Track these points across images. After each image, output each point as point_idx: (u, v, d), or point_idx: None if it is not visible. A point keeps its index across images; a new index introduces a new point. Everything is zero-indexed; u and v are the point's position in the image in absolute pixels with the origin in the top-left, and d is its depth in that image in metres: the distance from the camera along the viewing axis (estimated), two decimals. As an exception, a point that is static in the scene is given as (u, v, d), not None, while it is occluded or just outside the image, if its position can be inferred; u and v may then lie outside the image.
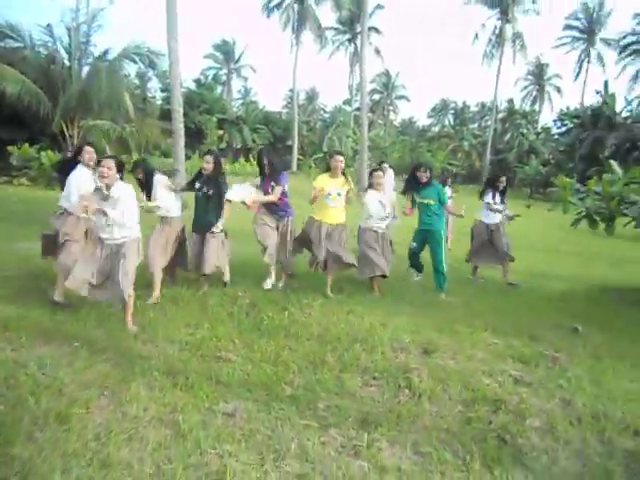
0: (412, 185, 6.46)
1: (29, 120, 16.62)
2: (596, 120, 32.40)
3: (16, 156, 17.22)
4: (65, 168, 5.20)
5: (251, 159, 35.14)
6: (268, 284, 5.77)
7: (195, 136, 35.29)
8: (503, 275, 7.30)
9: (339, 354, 3.99)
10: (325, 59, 72.18)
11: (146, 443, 2.66)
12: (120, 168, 4.36)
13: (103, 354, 3.74)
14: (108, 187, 4.29)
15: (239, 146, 43.80)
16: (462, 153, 46.74)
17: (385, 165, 8.38)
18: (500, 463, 2.64)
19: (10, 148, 17.21)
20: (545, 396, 3.49)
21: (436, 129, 58.51)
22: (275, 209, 5.78)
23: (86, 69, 17.02)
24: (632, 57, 37.50)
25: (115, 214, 4.28)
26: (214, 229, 5.41)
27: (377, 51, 46.20)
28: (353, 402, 3.26)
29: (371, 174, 6.21)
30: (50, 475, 2.34)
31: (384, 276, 5.91)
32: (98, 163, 4.45)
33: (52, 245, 5.10)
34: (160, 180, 5.37)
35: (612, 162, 9.37)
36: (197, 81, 45.34)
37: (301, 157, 42.96)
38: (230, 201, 5.46)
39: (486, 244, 7.25)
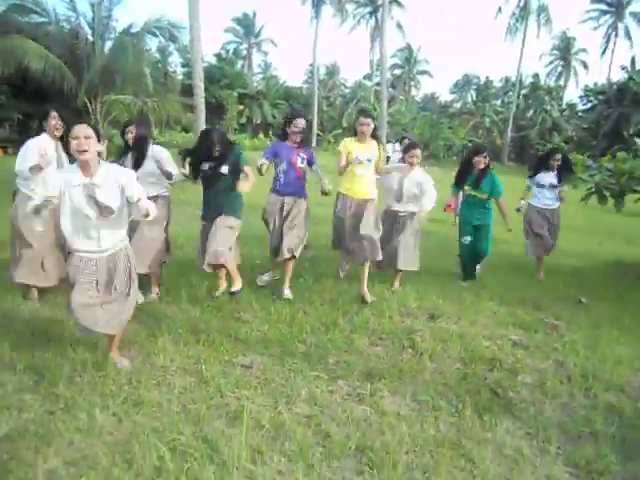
0: (466, 174, 5.55)
1: (53, 95, 16.87)
2: (622, 97, 31.75)
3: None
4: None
5: (270, 135, 35.16)
6: (262, 280, 5.12)
7: (216, 111, 35.43)
8: (537, 269, 6.39)
9: (349, 317, 4.28)
10: (346, 33, 70.94)
11: (173, 387, 3.00)
12: (99, 139, 2.99)
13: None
14: (86, 169, 2.91)
15: (259, 121, 43.88)
16: (483, 130, 46.03)
17: (406, 140, 7.75)
18: (490, 412, 2.92)
19: (34, 123, 17.51)
20: (540, 357, 3.74)
21: (458, 105, 57.58)
22: (281, 185, 4.80)
23: (108, 44, 17.22)
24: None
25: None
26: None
27: (399, 26, 45.36)
28: (360, 358, 3.55)
29: (408, 149, 5.24)
30: (91, 409, 2.69)
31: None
32: (66, 135, 3.12)
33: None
34: (160, 154, 4.42)
35: (638, 140, 9.16)
36: (218, 55, 45.30)
37: (320, 133, 42.90)
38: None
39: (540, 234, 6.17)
